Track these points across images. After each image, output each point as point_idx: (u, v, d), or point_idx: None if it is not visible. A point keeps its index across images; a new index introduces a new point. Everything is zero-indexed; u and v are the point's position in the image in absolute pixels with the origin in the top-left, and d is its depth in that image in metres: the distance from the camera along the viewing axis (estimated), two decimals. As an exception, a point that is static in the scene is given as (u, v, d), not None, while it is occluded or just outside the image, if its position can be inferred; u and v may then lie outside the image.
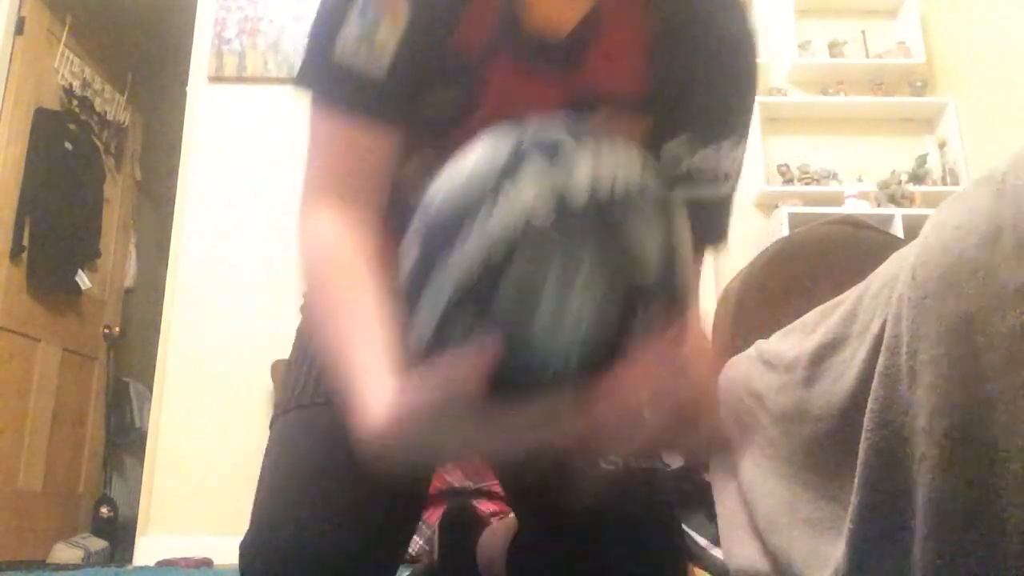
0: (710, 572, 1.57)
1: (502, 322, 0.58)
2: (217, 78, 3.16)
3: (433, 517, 2.32)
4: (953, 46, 3.52)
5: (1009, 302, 0.68)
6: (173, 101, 3.48)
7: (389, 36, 0.83)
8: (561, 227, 0.57)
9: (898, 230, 3.10)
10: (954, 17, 3.51)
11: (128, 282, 4.08)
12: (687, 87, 0.95)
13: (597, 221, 0.58)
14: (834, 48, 3.62)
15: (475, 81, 0.88)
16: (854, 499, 0.95)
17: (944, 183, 3.41)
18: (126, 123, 3.98)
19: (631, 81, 0.93)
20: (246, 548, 0.78)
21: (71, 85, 3.55)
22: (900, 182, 3.37)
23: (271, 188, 3.06)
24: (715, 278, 3.25)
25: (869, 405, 0.93)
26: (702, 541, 1.68)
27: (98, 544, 3.27)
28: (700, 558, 1.64)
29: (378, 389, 0.66)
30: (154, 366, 2.95)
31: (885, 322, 0.95)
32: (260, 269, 2.99)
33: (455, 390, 0.57)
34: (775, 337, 1.52)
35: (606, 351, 0.59)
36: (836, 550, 1.02)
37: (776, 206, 3.36)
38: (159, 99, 4.19)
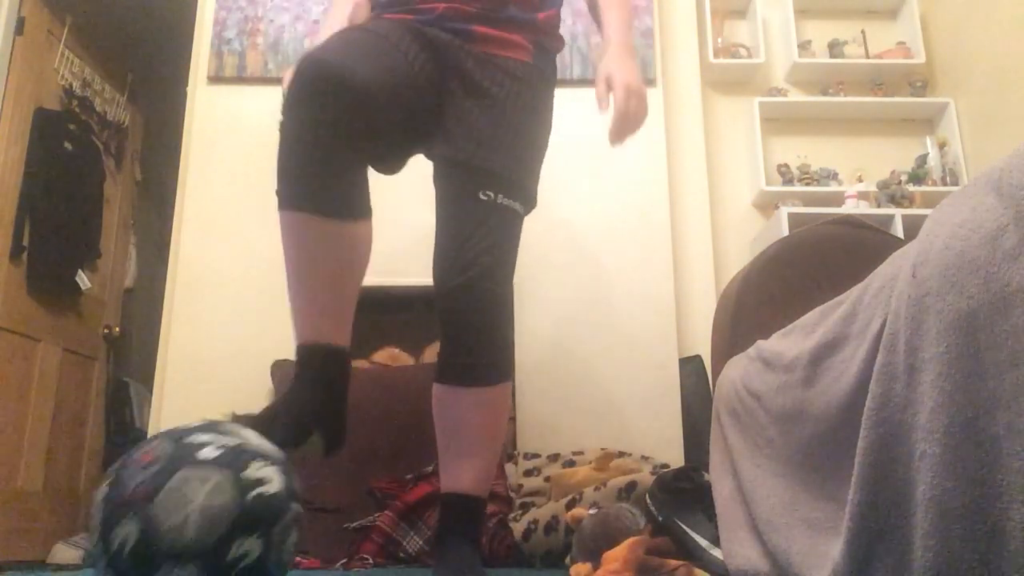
0: (710, 572, 1.57)
1: None
2: (217, 78, 3.16)
3: (433, 517, 2.32)
4: (953, 46, 3.52)
5: (1012, 300, 0.68)
6: (173, 101, 3.48)
7: None
8: None
9: (898, 230, 3.10)
10: (954, 17, 3.51)
11: (128, 282, 4.08)
12: None
13: None
14: (834, 48, 3.62)
15: None
16: (851, 497, 0.95)
17: (944, 183, 3.41)
18: (126, 123, 3.98)
19: None
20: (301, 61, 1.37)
21: (71, 85, 3.55)
22: (900, 182, 3.37)
23: (271, 188, 3.05)
24: (715, 278, 3.26)
25: (867, 403, 0.93)
26: (702, 541, 1.68)
27: (98, 544, 3.26)
28: (700, 558, 1.64)
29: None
30: (154, 366, 2.94)
31: (885, 321, 0.95)
32: (260, 269, 2.99)
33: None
34: (775, 337, 1.52)
35: None
36: (834, 549, 1.02)
37: (776, 206, 3.35)
38: (159, 99, 4.19)
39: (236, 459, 0.97)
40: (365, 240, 1.47)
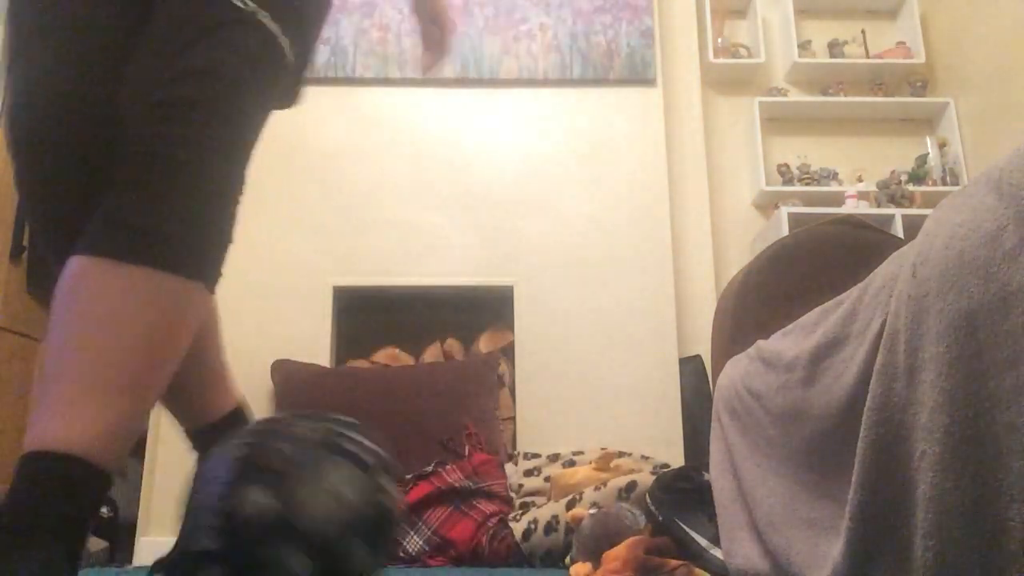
0: (710, 572, 1.57)
1: None
2: (217, 78, 3.16)
3: (433, 517, 2.32)
4: (953, 46, 3.52)
5: (1012, 300, 0.68)
6: (173, 101, 3.48)
7: None
8: None
9: (898, 230, 3.10)
10: (954, 17, 3.51)
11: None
12: None
13: None
14: (834, 48, 3.62)
15: None
16: (852, 497, 0.95)
17: (944, 183, 3.41)
18: (126, 123, 3.98)
19: None
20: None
21: (71, 85, 3.55)
22: (900, 182, 3.37)
23: (270, 187, 3.06)
24: (715, 278, 3.26)
25: (867, 403, 0.93)
26: (702, 541, 1.68)
27: (98, 544, 3.26)
28: (700, 558, 1.64)
29: None
30: (154, 366, 2.94)
31: (885, 321, 0.95)
32: (260, 269, 2.99)
33: None
34: (775, 337, 1.52)
35: None
36: (834, 549, 1.02)
37: (776, 206, 3.36)
38: (159, 99, 4.18)
39: (378, 462, 0.97)
40: None
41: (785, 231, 3.04)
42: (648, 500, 1.84)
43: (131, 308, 0.87)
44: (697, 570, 1.56)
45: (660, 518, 1.75)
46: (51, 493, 0.78)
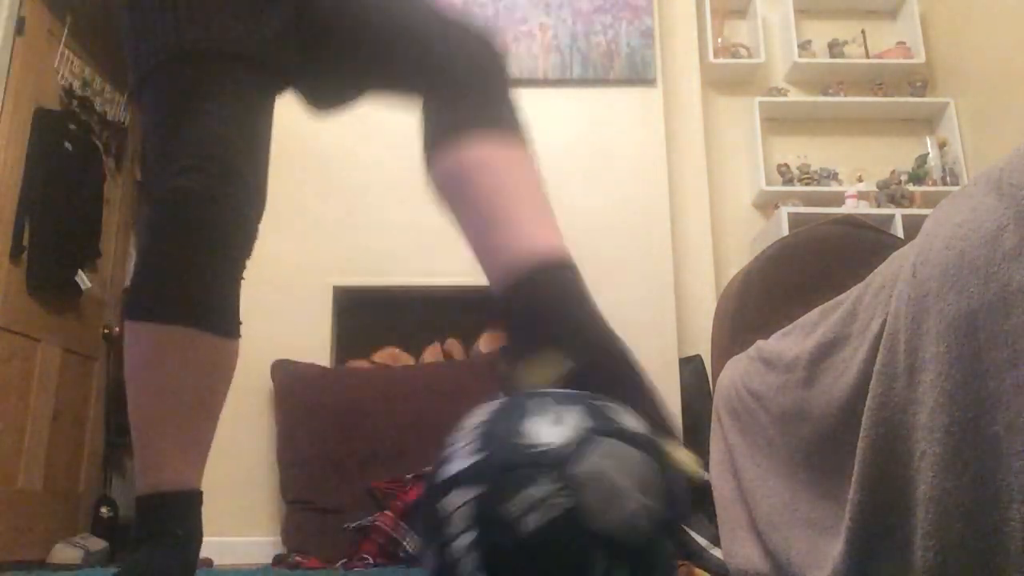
0: (710, 572, 1.57)
1: None
2: (217, 78, 3.16)
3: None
4: (953, 46, 3.52)
5: (1012, 300, 0.68)
6: (173, 101, 3.47)
7: None
8: None
9: (898, 230, 3.10)
10: (954, 17, 3.51)
11: (128, 282, 4.08)
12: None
13: None
14: (834, 48, 3.62)
15: None
16: (852, 497, 0.95)
17: (944, 183, 3.41)
18: (126, 123, 3.98)
19: None
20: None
21: (71, 85, 3.55)
22: (900, 182, 3.37)
23: (270, 187, 3.05)
24: (715, 278, 3.25)
25: (867, 403, 0.93)
26: (702, 541, 1.68)
27: (98, 544, 3.26)
28: (700, 558, 1.64)
29: None
30: (154, 366, 2.94)
31: (885, 321, 0.95)
32: (259, 268, 2.98)
33: None
34: (775, 337, 1.52)
35: None
36: (834, 549, 1.02)
37: (776, 206, 3.36)
38: (159, 99, 4.17)
39: (656, 441, 0.81)
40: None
41: (785, 231, 3.04)
42: (648, 500, 1.83)
43: (520, 169, 1.15)
44: (697, 570, 1.56)
45: (660, 518, 1.75)
46: (168, 517, 1.07)
